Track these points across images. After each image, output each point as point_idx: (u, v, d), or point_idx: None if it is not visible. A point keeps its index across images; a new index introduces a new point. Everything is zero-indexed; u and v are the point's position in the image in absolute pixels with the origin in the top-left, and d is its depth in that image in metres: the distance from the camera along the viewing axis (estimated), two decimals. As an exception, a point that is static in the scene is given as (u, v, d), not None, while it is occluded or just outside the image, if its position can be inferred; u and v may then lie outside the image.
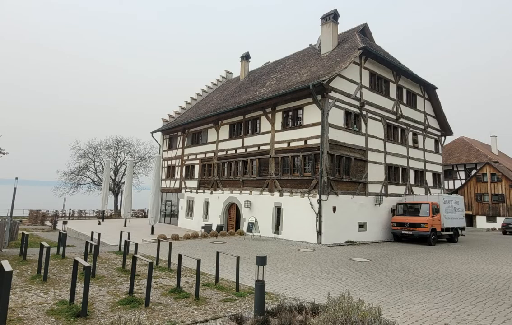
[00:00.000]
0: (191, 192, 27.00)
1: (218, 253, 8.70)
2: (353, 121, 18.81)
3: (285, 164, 19.09)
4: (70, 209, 33.74)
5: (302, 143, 18.07)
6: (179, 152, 29.56)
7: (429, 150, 25.46)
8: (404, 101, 23.18)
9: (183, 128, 28.90)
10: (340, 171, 17.77)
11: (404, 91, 23.31)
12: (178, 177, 29.11)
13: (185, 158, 28.51)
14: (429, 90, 25.65)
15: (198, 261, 7.48)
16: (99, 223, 25.85)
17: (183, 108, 33.23)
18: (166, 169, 31.20)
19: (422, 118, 24.93)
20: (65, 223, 23.16)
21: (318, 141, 17.08)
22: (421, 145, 24.50)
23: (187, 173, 28.02)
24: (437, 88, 25.43)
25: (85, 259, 10.53)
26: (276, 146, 19.65)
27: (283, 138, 19.26)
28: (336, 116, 17.72)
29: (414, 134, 23.98)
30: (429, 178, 25.05)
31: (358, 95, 19.12)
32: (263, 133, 20.76)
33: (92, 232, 15.18)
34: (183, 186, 28.21)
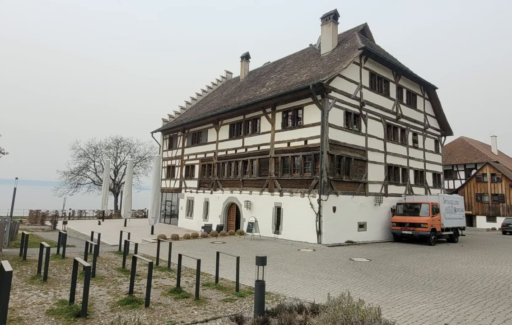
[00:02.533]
0: (191, 192, 27.00)
1: (218, 253, 8.69)
2: (353, 121, 18.80)
3: (285, 164, 19.09)
4: (70, 209, 33.74)
5: (302, 143, 18.07)
6: (179, 152, 29.56)
7: (429, 150, 25.46)
8: (404, 101, 23.18)
9: (183, 128, 28.90)
10: (340, 171, 17.77)
11: (404, 91, 23.31)
12: (178, 177, 29.11)
13: (185, 158, 28.51)
14: (429, 90, 25.65)
15: (198, 261, 7.48)
16: (99, 223, 25.85)
17: (183, 108, 33.24)
18: (166, 169, 31.20)
19: (422, 118, 24.93)
20: (65, 223, 23.18)
21: (318, 141, 17.08)
22: (421, 145, 24.50)
23: (187, 173, 28.02)
24: (437, 88, 25.43)
25: (85, 259, 10.53)
26: (276, 146, 19.65)
27: (283, 138, 19.26)
28: (336, 116, 17.72)
29: (414, 134, 23.98)
30: (429, 178, 25.05)
31: (358, 95, 19.12)
32: (263, 133, 20.76)
33: (92, 232, 15.18)
34: (183, 186, 28.21)
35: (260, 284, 5.61)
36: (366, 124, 19.53)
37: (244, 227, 20.49)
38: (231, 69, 37.56)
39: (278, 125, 19.81)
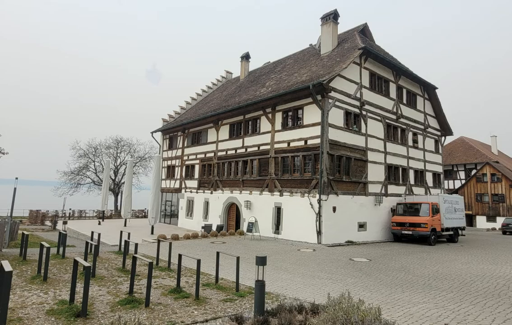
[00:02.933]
0: (191, 192, 27.00)
1: (218, 253, 8.69)
2: (353, 121, 18.80)
3: (285, 164, 19.09)
4: (70, 209, 33.74)
5: (302, 143, 18.07)
6: (179, 152, 29.56)
7: (429, 150, 25.46)
8: (404, 101, 23.17)
9: (183, 128, 28.90)
10: (340, 171, 17.77)
11: (404, 91, 23.31)
12: (178, 177, 29.11)
13: (185, 158, 28.51)
14: (429, 90, 25.65)
15: (198, 261, 7.48)
16: (99, 223, 25.84)
17: (183, 108, 33.24)
18: (166, 169, 31.20)
19: (422, 118, 24.93)
20: (65, 223, 23.18)
21: (318, 141, 17.08)
22: (421, 145, 24.50)
23: (187, 173, 28.02)
24: (437, 88, 25.42)
25: (85, 259, 10.53)
26: (276, 146, 19.65)
27: (283, 138, 19.26)
28: (336, 116, 17.72)
29: (414, 134, 23.98)
30: (429, 178, 25.05)
31: (358, 95, 19.12)
32: (263, 133, 20.76)
33: (92, 232, 15.18)
34: (183, 186, 28.21)
35: (260, 284, 5.61)
36: (366, 124, 19.53)
37: (244, 227, 20.49)
38: (231, 69, 37.59)
39: (278, 125, 19.81)
